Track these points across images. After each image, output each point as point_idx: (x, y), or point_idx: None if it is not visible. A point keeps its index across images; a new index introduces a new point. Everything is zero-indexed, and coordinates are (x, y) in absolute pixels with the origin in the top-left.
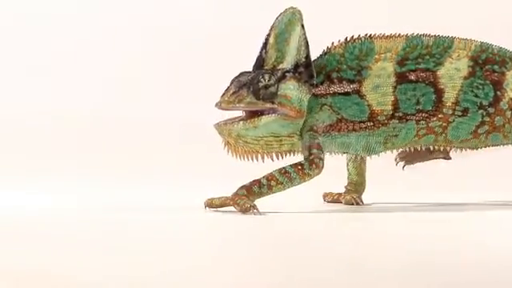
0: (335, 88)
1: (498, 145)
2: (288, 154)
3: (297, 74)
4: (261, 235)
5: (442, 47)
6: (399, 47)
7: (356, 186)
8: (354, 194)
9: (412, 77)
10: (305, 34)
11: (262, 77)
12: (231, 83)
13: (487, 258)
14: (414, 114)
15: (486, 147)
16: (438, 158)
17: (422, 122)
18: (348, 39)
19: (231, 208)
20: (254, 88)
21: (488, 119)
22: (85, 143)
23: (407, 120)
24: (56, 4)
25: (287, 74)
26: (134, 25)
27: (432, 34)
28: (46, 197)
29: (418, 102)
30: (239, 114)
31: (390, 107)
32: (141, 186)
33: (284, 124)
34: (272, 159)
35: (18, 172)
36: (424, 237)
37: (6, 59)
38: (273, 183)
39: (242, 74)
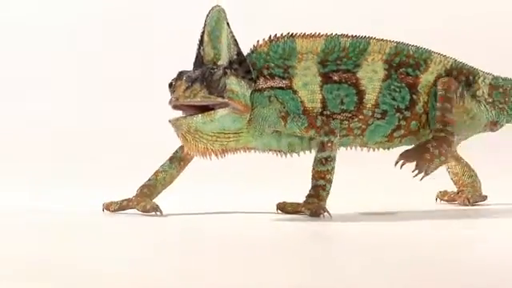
0: (271, 83)
1: (409, 145)
2: (231, 153)
3: (233, 71)
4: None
5: (358, 49)
6: (318, 48)
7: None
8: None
9: (335, 77)
10: (232, 31)
11: (213, 71)
12: (176, 80)
13: None
14: (339, 114)
15: (398, 147)
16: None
17: (345, 121)
18: (271, 38)
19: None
20: (208, 82)
21: (404, 123)
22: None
23: (333, 119)
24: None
25: (227, 70)
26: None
27: (350, 34)
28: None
29: (342, 102)
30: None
31: (319, 105)
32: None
33: (235, 118)
34: (217, 157)
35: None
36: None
37: None
38: (328, 176)
39: (183, 72)
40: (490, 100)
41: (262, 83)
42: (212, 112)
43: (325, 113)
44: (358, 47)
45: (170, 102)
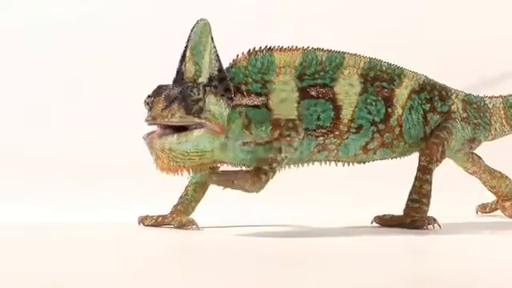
0: (246, 100)
1: (386, 159)
2: (203, 168)
3: (212, 88)
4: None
5: (334, 64)
6: (296, 62)
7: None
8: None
9: (313, 92)
10: (215, 46)
11: (192, 91)
12: (155, 97)
13: None
14: (314, 130)
15: (373, 161)
16: None
17: (320, 138)
18: (250, 51)
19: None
20: (186, 102)
21: (378, 135)
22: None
23: (308, 135)
24: None
25: (206, 88)
26: None
27: (325, 48)
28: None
29: (318, 118)
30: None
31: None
32: None
33: (210, 139)
34: (189, 173)
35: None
36: None
37: None
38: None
39: (162, 88)
40: (465, 115)
41: (237, 100)
42: (188, 133)
43: None
44: (334, 61)
45: (147, 120)
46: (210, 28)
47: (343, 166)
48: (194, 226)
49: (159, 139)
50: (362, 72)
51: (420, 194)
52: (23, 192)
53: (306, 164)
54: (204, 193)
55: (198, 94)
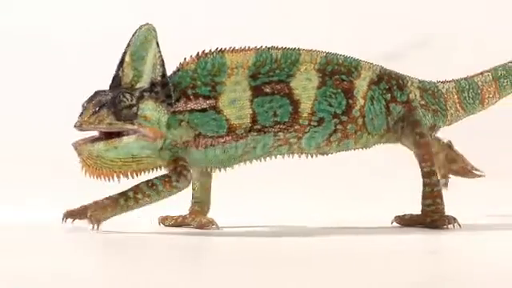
0: (192, 105)
1: (349, 150)
2: (144, 172)
3: (153, 94)
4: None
5: (289, 61)
6: (250, 62)
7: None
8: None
9: (267, 89)
10: (160, 51)
11: (123, 97)
12: (88, 102)
13: None
14: (272, 126)
15: (337, 152)
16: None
17: (279, 133)
18: (200, 54)
19: None
20: (115, 108)
21: (341, 127)
22: None
23: (265, 132)
24: None
25: (145, 93)
26: None
27: (280, 46)
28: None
29: (275, 114)
30: (94, 132)
31: (248, 120)
32: None
33: (144, 145)
34: (127, 178)
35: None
36: None
37: None
38: (139, 196)
39: (97, 94)
40: (423, 102)
41: (180, 106)
42: (116, 140)
43: (255, 127)
44: (290, 58)
45: (75, 126)
46: (155, 33)
47: (306, 157)
48: (214, 226)
49: (86, 146)
50: (319, 67)
51: (433, 198)
52: (23, 192)
53: (268, 158)
54: (208, 190)
55: (131, 100)
